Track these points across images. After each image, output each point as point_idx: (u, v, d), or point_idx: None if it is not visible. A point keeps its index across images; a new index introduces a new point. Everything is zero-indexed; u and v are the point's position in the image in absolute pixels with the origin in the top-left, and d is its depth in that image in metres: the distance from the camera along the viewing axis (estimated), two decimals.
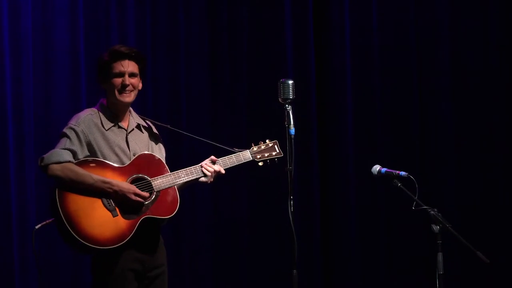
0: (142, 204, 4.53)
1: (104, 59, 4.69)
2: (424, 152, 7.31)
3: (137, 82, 4.74)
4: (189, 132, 7.05)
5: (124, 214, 4.51)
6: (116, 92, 4.67)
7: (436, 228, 4.64)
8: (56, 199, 4.46)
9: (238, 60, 7.26)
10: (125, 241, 4.47)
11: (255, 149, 4.87)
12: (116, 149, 4.63)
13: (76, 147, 4.56)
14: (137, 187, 4.55)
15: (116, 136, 4.66)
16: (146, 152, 4.72)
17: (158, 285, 4.67)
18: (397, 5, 7.36)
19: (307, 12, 7.38)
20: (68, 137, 4.57)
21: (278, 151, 4.88)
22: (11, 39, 6.37)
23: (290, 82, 4.63)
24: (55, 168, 4.50)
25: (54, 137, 6.53)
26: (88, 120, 4.63)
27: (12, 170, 6.31)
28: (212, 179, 4.77)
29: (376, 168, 4.98)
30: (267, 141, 4.91)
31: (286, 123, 4.60)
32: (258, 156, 4.86)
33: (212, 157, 4.81)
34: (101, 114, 4.68)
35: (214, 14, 7.22)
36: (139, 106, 6.82)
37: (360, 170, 7.14)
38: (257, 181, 7.17)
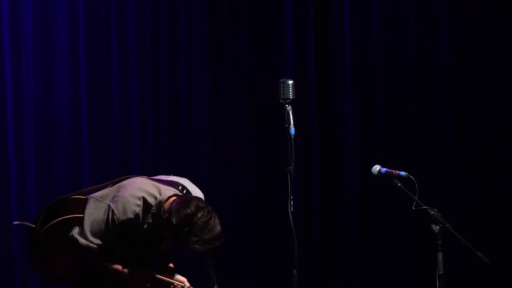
0: None
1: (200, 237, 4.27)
2: (424, 152, 7.31)
3: None
4: (188, 131, 7.09)
5: None
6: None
7: (436, 228, 4.64)
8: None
9: (238, 60, 7.26)
10: None
11: None
12: None
13: None
14: None
15: None
16: None
17: None
18: (397, 5, 7.36)
19: (307, 12, 7.38)
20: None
21: None
22: (11, 39, 6.37)
23: (290, 82, 4.62)
24: (91, 258, 4.42)
25: (54, 136, 6.57)
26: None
27: (12, 170, 6.31)
28: None
29: (376, 168, 4.99)
30: None
31: (286, 123, 4.59)
32: None
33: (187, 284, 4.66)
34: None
35: (214, 14, 7.22)
36: (139, 107, 6.86)
37: (360, 170, 7.14)
38: (257, 181, 7.18)
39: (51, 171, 6.46)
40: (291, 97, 4.60)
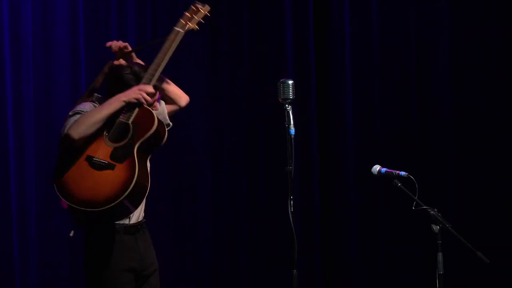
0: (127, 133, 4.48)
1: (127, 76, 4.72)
2: (424, 152, 7.31)
3: None
4: (189, 131, 7.08)
5: (118, 159, 4.39)
6: None
7: (436, 228, 4.65)
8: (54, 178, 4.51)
9: (238, 60, 7.26)
10: (133, 183, 4.30)
11: (182, 22, 4.83)
12: None
13: None
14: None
15: None
16: None
17: (153, 284, 4.63)
18: (397, 5, 7.37)
19: (307, 12, 7.38)
20: (79, 113, 4.52)
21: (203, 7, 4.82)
22: (11, 39, 6.37)
23: (290, 82, 4.63)
24: (74, 126, 4.44)
25: (54, 137, 6.56)
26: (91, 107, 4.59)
27: (12, 170, 6.31)
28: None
29: (376, 168, 4.99)
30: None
31: (286, 123, 4.59)
32: (187, 26, 4.79)
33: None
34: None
35: (214, 14, 7.21)
36: None
37: (360, 170, 7.14)
38: (257, 181, 7.18)
39: (51, 171, 6.46)
40: (291, 97, 4.60)
